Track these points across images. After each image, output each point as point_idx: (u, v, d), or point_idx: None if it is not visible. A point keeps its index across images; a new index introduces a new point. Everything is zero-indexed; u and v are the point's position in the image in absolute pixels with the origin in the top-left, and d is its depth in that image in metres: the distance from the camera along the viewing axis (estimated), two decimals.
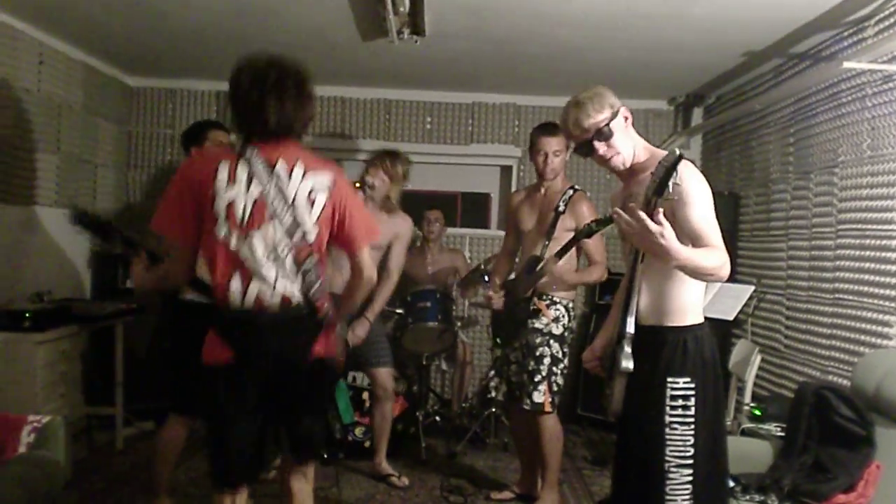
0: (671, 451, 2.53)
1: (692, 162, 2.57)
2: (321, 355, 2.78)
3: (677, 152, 2.21)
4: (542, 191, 4.32)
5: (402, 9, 4.22)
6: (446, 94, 6.70)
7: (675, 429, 2.53)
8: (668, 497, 2.53)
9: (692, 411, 2.52)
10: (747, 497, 3.36)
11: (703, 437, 2.53)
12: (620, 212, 2.28)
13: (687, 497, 2.53)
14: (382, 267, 4.65)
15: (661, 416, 2.54)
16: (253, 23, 4.73)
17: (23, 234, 4.94)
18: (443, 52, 5.30)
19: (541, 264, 4.03)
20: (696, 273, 2.41)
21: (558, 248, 4.03)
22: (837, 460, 3.32)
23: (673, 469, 2.53)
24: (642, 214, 2.22)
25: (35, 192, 5.07)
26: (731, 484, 3.42)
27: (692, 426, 2.52)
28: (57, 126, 5.32)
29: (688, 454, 2.52)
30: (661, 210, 2.24)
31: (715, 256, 2.37)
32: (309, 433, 2.87)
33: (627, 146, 2.66)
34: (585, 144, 2.66)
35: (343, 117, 6.74)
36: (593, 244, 4.13)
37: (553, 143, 4.18)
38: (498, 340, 4.46)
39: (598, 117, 2.61)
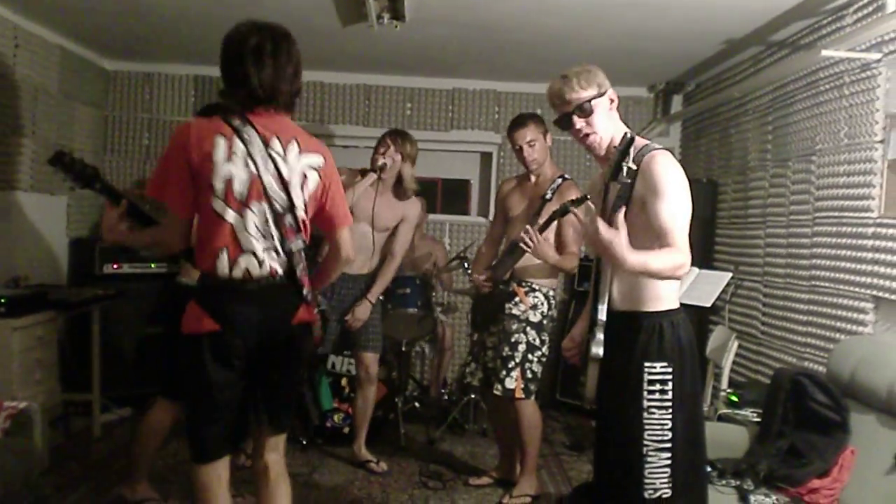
0: (649, 435, 2.54)
1: (671, 151, 2.58)
2: (302, 320, 2.81)
3: (628, 135, 2.23)
4: (533, 179, 4.33)
5: None
6: (426, 80, 6.68)
7: (653, 413, 2.54)
8: (646, 480, 2.55)
9: (669, 395, 2.54)
10: (723, 482, 3.38)
11: (680, 420, 2.54)
12: (577, 213, 2.32)
13: (665, 480, 2.54)
14: (388, 249, 4.68)
15: (638, 400, 2.55)
16: (232, 6, 4.68)
17: None
18: (423, 38, 5.28)
19: (522, 237, 3.98)
20: (649, 276, 2.45)
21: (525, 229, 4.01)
22: (813, 446, 3.36)
23: (651, 453, 2.54)
24: (599, 220, 2.26)
25: (10, 177, 5.01)
26: (708, 469, 3.46)
27: (670, 410, 2.53)
28: (32, 110, 5.25)
29: (666, 438, 2.54)
30: (620, 214, 2.28)
31: (670, 258, 2.39)
32: (287, 400, 2.91)
33: (607, 128, 2.65)
34: (565, 117, 2.67)
35: (323, 103, 6.70)
36: (572, 234, 4.15)
37: (524, 135, 4.20)
38: (475, 324, 4.47)
39: (582, 93, 2.61)
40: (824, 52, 3.99)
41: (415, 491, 4.50)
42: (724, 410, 4.17)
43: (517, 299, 4.20)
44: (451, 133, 6.79)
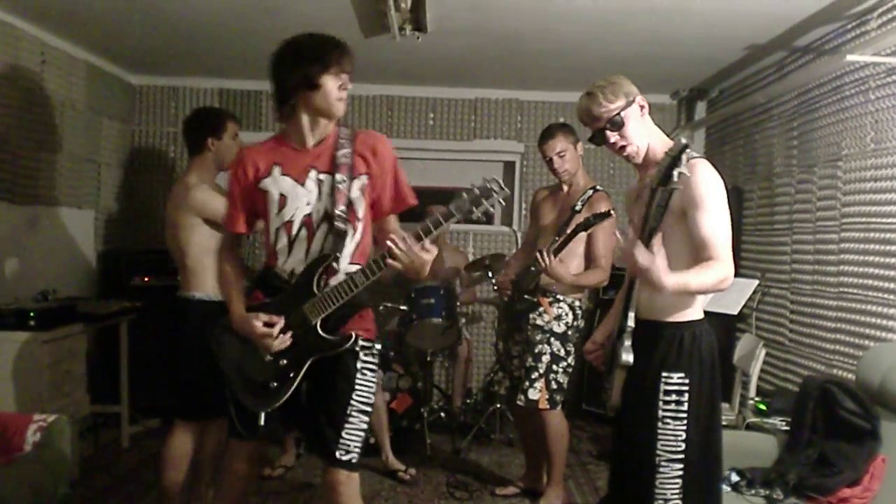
0: (662, 445, 2.54)
1: (710, 162, 2.55)
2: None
3: (683, 141, 2.21)
4: (566, 189, 4.31)
5: (403, 5, 4.22)
6: (448, 90, 6.69)
7: (668, 423, 2.53)
8: (657, 491, 2.54)
9: (685, 406, 2.53)
10: (752, 491, 3.36)
11: (695, 433, 2.53)
12: (619, 235, 2.32)
13: (676, 492, 2.54)
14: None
15: (653, 409, 2.54)
16: (255, 20, 4.73)
17: (27, 234, 4.94)
18: (445, 49, 5.29)
19: (536, 259, 4.01)
20: (691, 293, 2.44)
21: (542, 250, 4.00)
22: (842, 454, 3.32)
23: (664, 463, 2.53)
24: (640, 246, 2.25)
25: (39, 191, 5.07)
26: (736, 479, 3.43)
27: (684, 421, 2.52)
28: (60, 125, 5.32)
29: (679, 449, 2.53)
30: (658, 239, 2.27)
31: (712, 273, 2.38)
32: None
33: (641, 136, 2.65)
34: (598, 133, 2.66)
35: (345, 114, 6.71)
36: (602, 246, 4.11)
37: (553, 147, 4.18)
38: (500, 333, 4.48)
39: (610, 106, 2.60)
40: (849, 58, 3.96)
41: (441, 502, 4.49)
42: (752, 419, 4.14)
43: (541, 309, 4.19)
44: (473, 143, 6.80)
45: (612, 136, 2.63)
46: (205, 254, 3.56)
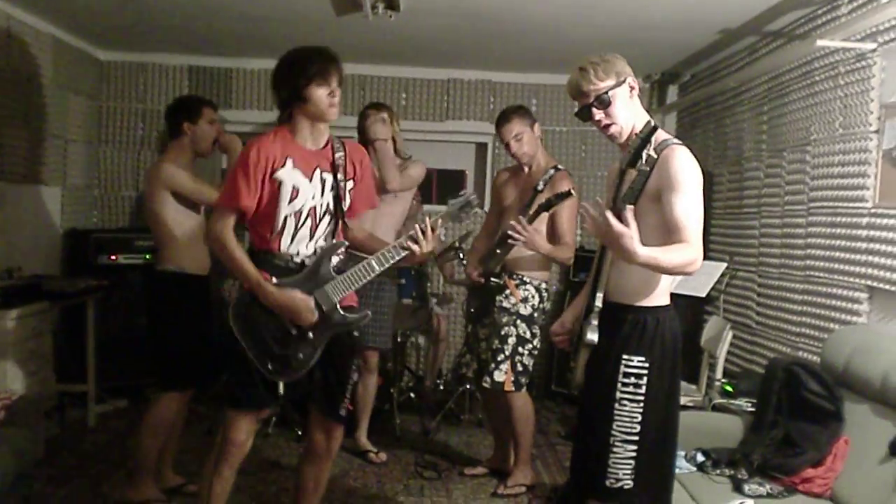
0: (618, 425, 2.58)
1: (688, 148, 2.56)
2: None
3: (651, 123, 2.22)
4: (527, 170, 4.32)
5: None
6: (421, 70, 6.66)
7: (624, 405, 2.57)
8: (609, 470, 2.59)
9: (643, 390, 2.56)
10: (717, 471, 3.41)
11: (652, 416, 2.57)
12: (588, 207, 2.31)
13: (628, 472, 2.58)
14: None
15: (612, 391, 2.58)
16: None
17: None
18: (418, 28, 5.26)
19: (513, 229, 3.95)
20: (659, 271, 2.45)
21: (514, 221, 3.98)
22: (806, 435, 3.37)
23: (618, 444, 2.58)
24: (609, 214, 2.24)
25: (3, 168, 4.97)
26: (702, 459, 3.48)
27: (641, 404, 2.56)
28: (25, 101, 5.22)
29: (634, 430, 2.57)
30: (629, 210, 2.26)
31: (682, 254, 2.38)
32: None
33: (627, 117, 2.64)
34: (584, 109, 2.66)
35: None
36: (565, 223, 4.13)
37: (510, 130, 4.19)
38: (469, 316, 4.48)
39: (600, 84, 2.59)
40: (819, 43, 3.98)
41: (410, 481, 4.51)
42: (718, 400, 4.19)
43: (507, 292, 4.19)
44: (446, 123, 6.77)
45: (598, 114, 2.63)
46: (176, 227, 3.82)
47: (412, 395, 5.84)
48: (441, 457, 4.89)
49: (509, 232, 3.95)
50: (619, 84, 2.61)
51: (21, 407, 3.47)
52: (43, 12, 5.23)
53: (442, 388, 6.01)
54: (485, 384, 4.21)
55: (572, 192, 3.93)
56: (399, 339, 5.56)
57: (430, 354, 6.19)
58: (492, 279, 4.22)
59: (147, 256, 5.61)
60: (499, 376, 4.15)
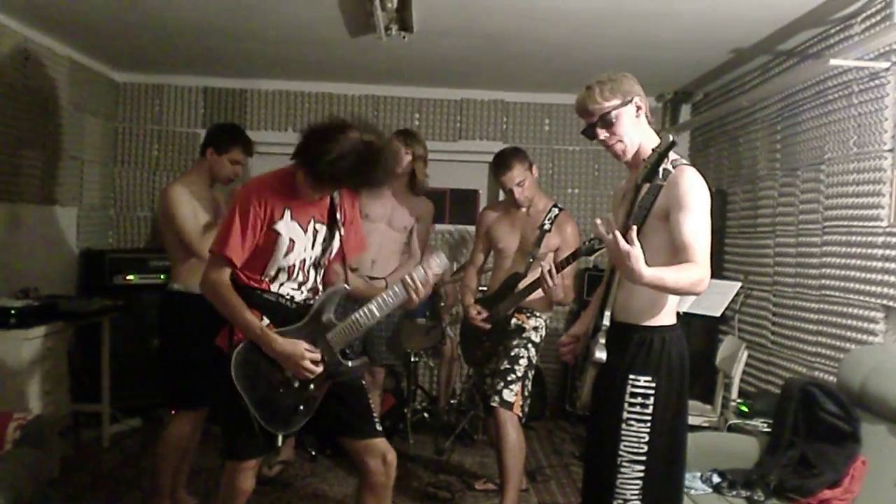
0: (625, 446, 2.56)
1: (695, 166, 2.57)
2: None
3: (670, 138, 2.23)
4: (524, 210, 4.24)
5: (389, 5, 4.21)
6: (434, 90, 6.69)
7: (632, 425, 2.56)
8: (617, 490, 2.57)
9: (650, 409, 2.55)
10: (734, 493, 3.38)
11: (659, 436, 2.56)
12: (599, 223, 2.31)
13: (636, 492, 2.56)
14: (406, 249, 4.71)
15: (619, 411, 2.57)
16: (241, 19, 4.71)
17: (9, 232, 4.90)
18: (431, 49, 5.29)
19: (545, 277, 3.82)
20: (665, 291, 2.46)
21: (544, 266, 3.82)
22: (823, 456, 3.34)
23: (625, 464, 2.56)
24: (617, 233, 2.25)
25: (20, 189, 5.03)
26: (718, 480, 3.45)
27: (648, 424, 2.55)
28: (43, 122, 5.27)
29: (641, 451, 2.55)
30: (634, 229, 2.27)
31: (689, 274, 2.37)
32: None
33: (632, 136, 2.64)
34: (589, 127, 2.67)
35: (331, 114, 6.71)
36: (567, 270, 4.03)
37: (512, 178, 4.12)
38: (474, 360, 4.42)
39: (605, 104, 2.60)
40: (833, 62, 3.99)
41: (423, 502, 4.49)
42: (734, 420, 4.15)
43: (519, 323, 4.16)
44: (458, 143, 6.80)
45: (602, 133, 2.64)
46: (178, 247, 3.84)
47: (426, 415, 5.82)
48: (455, 477, 4.86)
49: (542, 278, 3.81)
50: (624, 104, 2.61)
51: (36, 426, 3.47)
52: (60, 34, 5.30)
53: (456, 408, 5.99)
54: (493, 403, 4.05)
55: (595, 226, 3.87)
56: (413, 359, 5.55)
57: (442, 374, 6.18)
58: (508, 322, 4.15)
59: (162, 277, 5.63)
60: (508, 396, 4.02)
